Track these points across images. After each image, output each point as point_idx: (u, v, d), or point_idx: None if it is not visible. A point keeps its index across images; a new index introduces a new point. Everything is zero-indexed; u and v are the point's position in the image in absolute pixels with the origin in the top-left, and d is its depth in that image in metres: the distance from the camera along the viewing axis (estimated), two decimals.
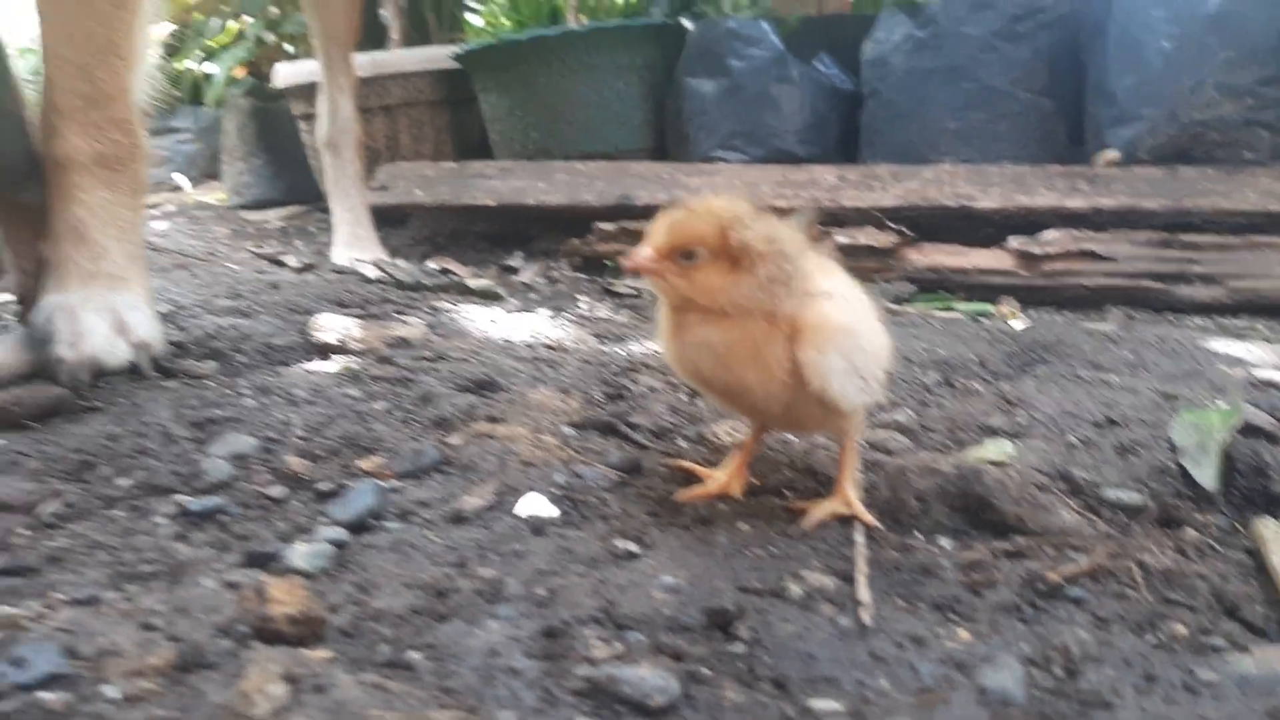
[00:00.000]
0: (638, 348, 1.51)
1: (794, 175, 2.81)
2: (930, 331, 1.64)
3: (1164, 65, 2.52)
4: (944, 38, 2.79)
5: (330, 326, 1.45)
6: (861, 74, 3.01)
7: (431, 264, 2.81)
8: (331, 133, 2.59)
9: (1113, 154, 2.64)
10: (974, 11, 2.76)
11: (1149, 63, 2.54)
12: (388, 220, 3.19)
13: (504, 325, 1.60)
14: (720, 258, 0.88)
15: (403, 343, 1.43)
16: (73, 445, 1.04)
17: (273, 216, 3.77)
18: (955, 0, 2.78)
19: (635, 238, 2.72)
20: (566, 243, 2.85)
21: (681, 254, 0.88)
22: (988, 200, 2.62)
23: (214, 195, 4.48)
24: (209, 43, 4.02)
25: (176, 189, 4.80)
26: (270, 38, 4.01)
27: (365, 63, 3.45)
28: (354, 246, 2.55)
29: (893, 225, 2.55)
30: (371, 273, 2.30)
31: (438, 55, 3.48)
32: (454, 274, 2.71)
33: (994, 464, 1.07)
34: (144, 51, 1.39)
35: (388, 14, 3.92)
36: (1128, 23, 2.58)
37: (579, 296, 2.43)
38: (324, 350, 1.42)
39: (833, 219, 2.63)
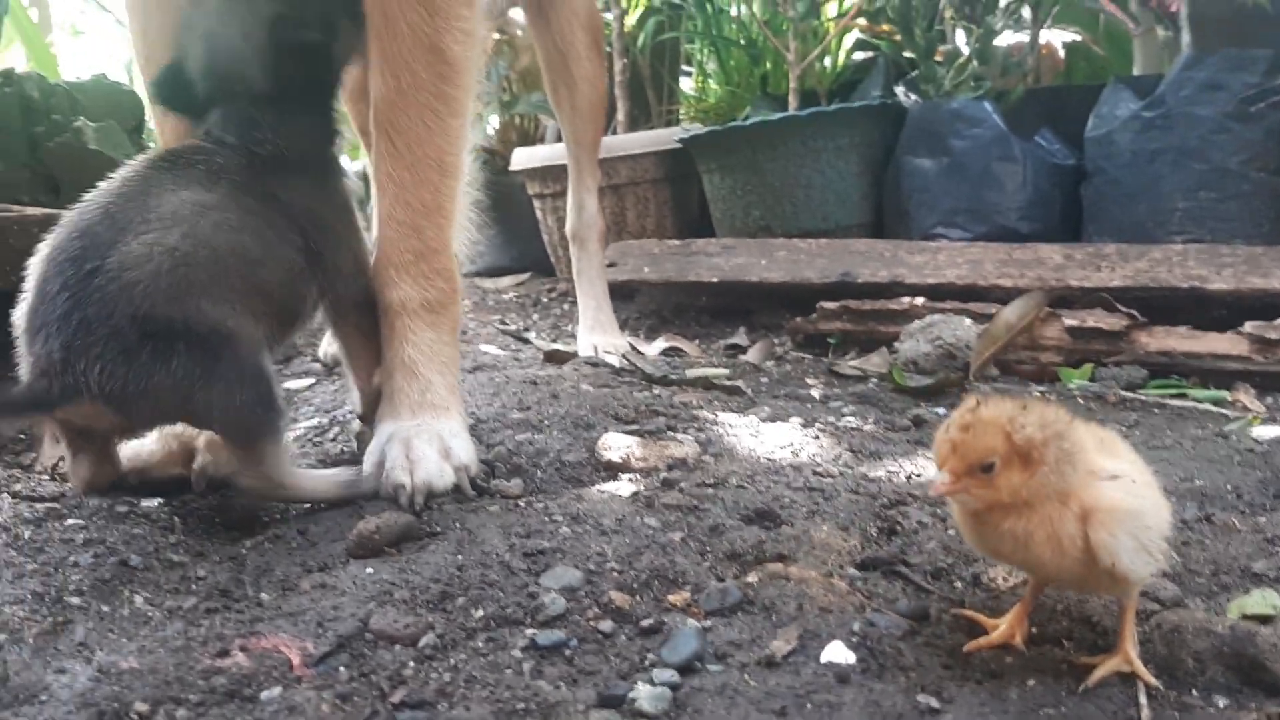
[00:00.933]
0: (896, 469, 1.62)
1: (1018, 254, 2.86)
2: (1182, 455, 1.69)
3: None
4: (1173, 118, 2.80)
5: (615, 445, 1.61)
6: (1085, 151, 3.04)
7: (661, 341, 2.98)
8: (577, 226, 2.81)
9: None
10: (1204, 92, 2.75)
11: None
12: (617, 294, 3.40)
13: (766, 440, 1.74)
14: (1011, 459, 0.99)
15: (681, 463, 1.59)
16: (430, 574, 1.23)
17: (505, 284, 4.05)
18: (1184, 81, 2.78)
19: (857, 317, 2.85)
20: (790, 321, 2.98)
21: (979, 469, 0.99)
22: (1220, 282, 2.62)
23: None
24: None
25: None
26: (496, 123, 4.32)
27: None
28: (596, 332, 2.76)
29: (1122, 308, 2.57)
30: (617, 362, 2.48)
31: (662, 137, 3.68)
32: (683, 353, 2.88)
33: (1263, 618, 1.14)
34: (463, 208, 1.61)
35: (615, 87, 4.14)
36: None
37: (809, 380, 2.55)
38: (610, 468, 1.59)
39: (1060, 299, 2.67)
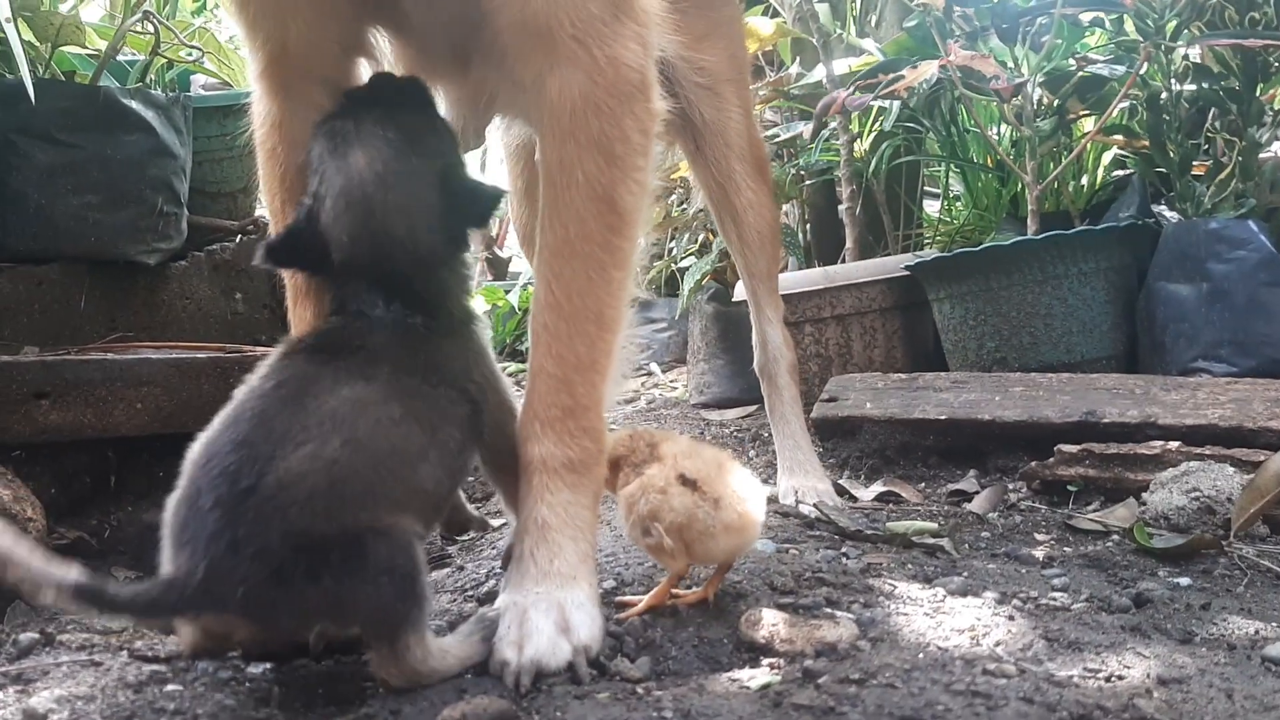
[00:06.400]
0: (1095, 666, 1.35)
1: None
2: None
3: None
4: None
5: (760, 622, 1.44)
6: None
7: (878, 485, 2.76)
8: (763, 361, 2.70)
9: None
10: None
11: None
12: (837, 432, 3.21)
13: (944, 621, 1.51)
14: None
15: (830, 649, 1.38)
16: None
17: (730, 416, 3.92)
18: None
19: (1101, 462, 2.53)
20: (1024, 465, 2.69)
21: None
22: None
23: (681, 382, 4.77)
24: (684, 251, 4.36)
25: (649, 374, 5.20)
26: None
27: (819, 276, 3.56)
28: (795, 474, 2.58)
29: None
30: (810, 513, 2.30)
31: (888, 265, 3.50)
32: (901, 499, 2.65)
33: None
34: (618, 365, 1.52)
35: (843, 214, 4.01)
36: None
37: (1037, 535, 2.27)
38: (752, 649, 1.42)
39: None
